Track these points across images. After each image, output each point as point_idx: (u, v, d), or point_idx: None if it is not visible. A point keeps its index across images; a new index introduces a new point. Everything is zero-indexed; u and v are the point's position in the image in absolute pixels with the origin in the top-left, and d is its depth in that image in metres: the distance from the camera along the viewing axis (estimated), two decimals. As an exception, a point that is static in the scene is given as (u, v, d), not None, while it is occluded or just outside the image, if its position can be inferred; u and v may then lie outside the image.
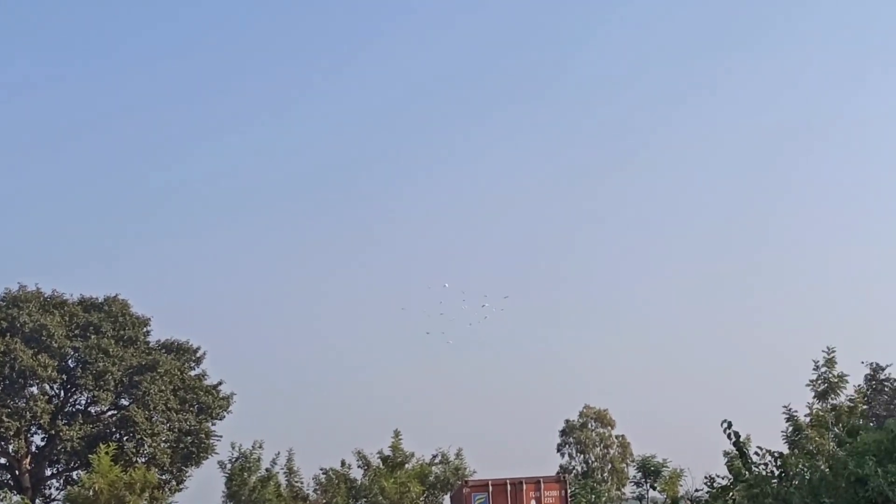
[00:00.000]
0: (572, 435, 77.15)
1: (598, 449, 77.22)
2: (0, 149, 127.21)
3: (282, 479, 61.27)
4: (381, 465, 60.13)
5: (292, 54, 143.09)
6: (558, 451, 77.45)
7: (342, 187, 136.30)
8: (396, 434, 60.56)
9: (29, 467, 65.92)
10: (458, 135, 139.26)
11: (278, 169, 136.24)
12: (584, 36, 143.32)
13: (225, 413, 70.53)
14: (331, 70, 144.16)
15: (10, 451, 65.06)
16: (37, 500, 65.50)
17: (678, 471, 61.97)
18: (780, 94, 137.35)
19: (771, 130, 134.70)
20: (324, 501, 60.76)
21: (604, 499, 69.58)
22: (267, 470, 60.60)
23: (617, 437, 77.59)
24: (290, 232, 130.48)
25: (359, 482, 60.75)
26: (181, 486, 68.80)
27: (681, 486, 60.98)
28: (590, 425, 77.78)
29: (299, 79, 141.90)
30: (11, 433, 63.61)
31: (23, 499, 62.28)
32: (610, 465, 76.79)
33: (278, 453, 61.67)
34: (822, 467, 24.88)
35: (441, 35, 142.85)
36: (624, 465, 76.05)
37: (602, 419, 77.76)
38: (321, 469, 62.21)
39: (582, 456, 77.09)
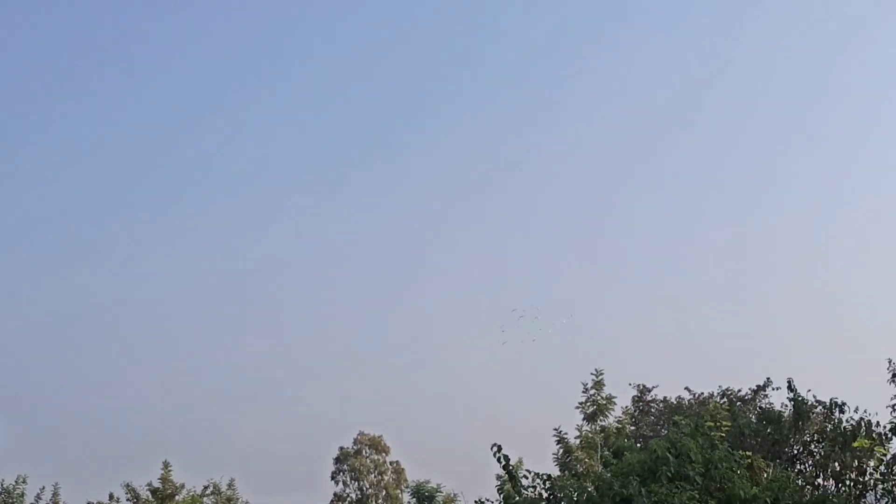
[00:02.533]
0: (346, 462, 77.05)
1: (373, 476, 77.32)
2: None
3: (47, 514, 59.52)
4: (150, 498, 59.01)
5: None
6: (332, 478, 77.29)
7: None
8: (166, 465, 59.57)
9: None
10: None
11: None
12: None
13: (-15, 447, 68.09)
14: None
15: None
16: None
17: (451, 496, 62.19)
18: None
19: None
20: (91, 536, 59.37)
21: (378, 526, 69.66)
22: (30, 505, 58.83)
23: (391, 463, 77.84)
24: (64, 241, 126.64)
25: (127, 516, 59.52)
26: (-64, 527, 66.17)
27: (455, 510, 61.19)
28: (364, 452, 77.84)
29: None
30: None
31: None
32: (384, 492, 76.93)
33: (43, 488, 59.84)
34: (590, 488, 25.14)
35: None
36: (398, 491, 76.25)
37: (376, 446, 77.94)
38: (88, 503, 60.80)
39: (356, 483, 77.06)
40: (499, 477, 36.13)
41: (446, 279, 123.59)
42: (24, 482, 58.84)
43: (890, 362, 27.29)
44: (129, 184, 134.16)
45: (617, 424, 49.99)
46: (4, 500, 57.77)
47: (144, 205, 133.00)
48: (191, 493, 59.96)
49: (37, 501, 59.07)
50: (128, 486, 60.09)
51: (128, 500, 60.08)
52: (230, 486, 61.38)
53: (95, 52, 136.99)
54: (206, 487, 61.00)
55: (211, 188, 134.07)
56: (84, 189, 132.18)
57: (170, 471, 59.53)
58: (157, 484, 59.23)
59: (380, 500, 76.60)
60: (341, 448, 77.84)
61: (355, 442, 78.09)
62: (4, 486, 58.46)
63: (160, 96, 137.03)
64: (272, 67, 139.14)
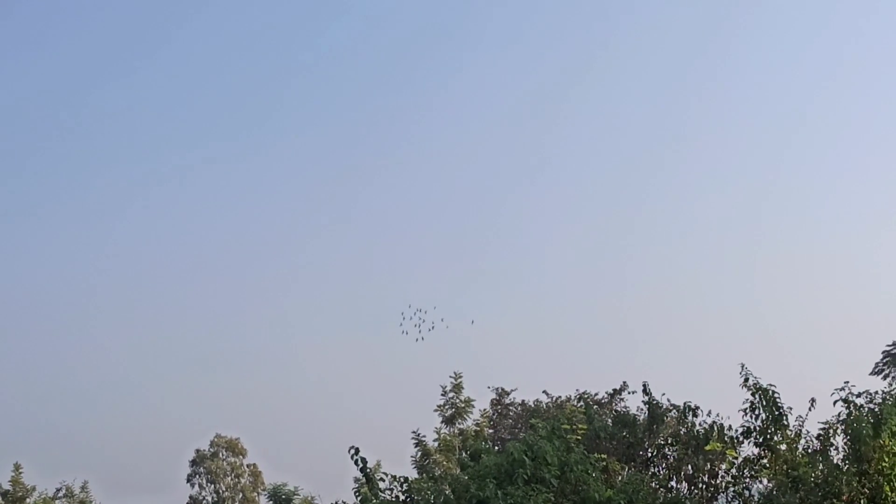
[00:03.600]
0: (203, 465, 76.25)
1: (230, 478, 76.63)
2: None
3: None
4: (1, 501, 57.96)
5: None
6: (188, 481, 76.41)
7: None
8: (17, 467, 58.56)
9: None
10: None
11: None
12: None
13: None
14: None
15: None
16: None
17: (309, 498, 61.87)
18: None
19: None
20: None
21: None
22: None
23: (248, 465, 77.23)
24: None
25: (-24, 519, 58.43)
26: None
27: (311, 513, 60.88)
28: (221, 454, 77.12)
29: None
30: None
31: None
32: (241, 495, 76.32)
33: None
34: (447, 491, 25.17)
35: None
36: (255, 493, 75.74)
37: (233, 448, 77.25)
38: (-65, 506, 59.52)
39: (213, 486, 76.32)
40: (356, 479, 36.09)
41: (307, 278, 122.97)
42: None
43: (743, 366, 27.72)
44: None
45: (475, 427, 50.19)
46: None
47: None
48: (43, 496, 59.06)
49: None
50: (-24, 488, 59.08)
51: (-23, 502, 59.02)
52: (83, 488, 60.56)
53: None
54: (58, 490, 60.15)
55: (64, 178, 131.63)
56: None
57: (21, 473, 58.56)
58: (7, 486, 58.26)
59: (236, 503, 76.01)
60: (197, 450, 77.11)
61: (212, 444, 77.38)
62: None
63: (21, 80, 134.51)
64: (133, 56, 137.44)
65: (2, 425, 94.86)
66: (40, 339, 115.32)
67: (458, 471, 31.33)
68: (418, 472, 48.52)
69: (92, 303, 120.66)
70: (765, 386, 27.51)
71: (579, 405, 48.51)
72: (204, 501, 74.19)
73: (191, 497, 74.51)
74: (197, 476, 76.25)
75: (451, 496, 24.51)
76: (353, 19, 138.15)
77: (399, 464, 53.09)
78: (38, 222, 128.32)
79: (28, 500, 58.37)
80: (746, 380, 27.65)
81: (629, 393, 53.04)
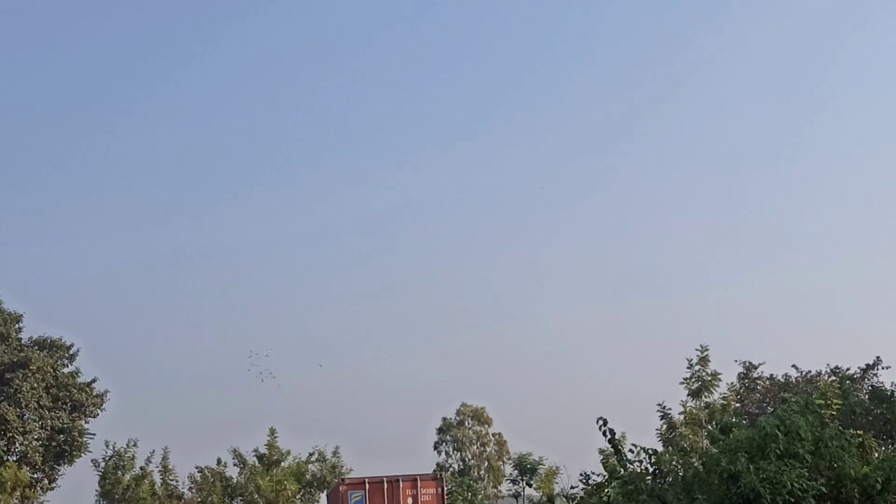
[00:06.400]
0: (449, 433, 77.26)
1: (475, 447, 77.43)
2: None
3: (157, 477, 60.82)
4: (256, 463, 59.92)
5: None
6: (435, 448, 77.63)
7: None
8: (272, 432, 60.41)
9: None
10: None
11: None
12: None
13: (99, 410, 69.33)
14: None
15: None
16: None
17: (554, 468, 62.26)
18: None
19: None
20: (199, 500, 60.32)
21: (480, 496, 69.80)
22: (141, 468, 60.15)
23: (494, 435, 77.87)
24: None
25: (234, 480, 60.51)
26: (53, 485, 67.65)
27: (556, 483, 61.17)
28: (467, 423, 77.96)
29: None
30: None
31: None
32: (486, 463, 77.03)
33: (153, 451, 61.26)
34: (696, 464, 25.00)
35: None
36: (500, 462, 76.33)
37: (479, 417, 77.99)
38: (196, 467, 61.94)
39: (459, 454, 77.26)
40: (601, 451, 36.20)
41: (557, 247, 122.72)
42: (135, 446, 60.39)
43: None
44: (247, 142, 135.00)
45: (722, 401, 49.62)
46: (116, 463, 59.15)
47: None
48: (297, 460, 60.78)
49: (147, 464, 60.43)
50: (235, 451, 61.15)
51: (234, 464, 61.10)
52: (335, 453, 62.10)
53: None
54: (311, 454, 61.81)
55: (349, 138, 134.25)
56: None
57: (276, 437, 60.39)
58: (263, 450, 60.12)
59: (482, 471, 76.79)
60: (444, 419, 78.13)
61: (458, 413, 78.28)
62: (116, 449, 59.96)
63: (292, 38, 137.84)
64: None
65: (259, 393, 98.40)
66: (295, 312, 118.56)
67: (706, 444, 31.11)
68: (663, 445, 48.36)
69: (343, 276, 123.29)
70: None
71: (831, 380, 47.50)
72: (450, 469, 75.15)
73: (437, 464, 75.61)
74: (444, 444, 77.32)
75: (702, 470, 24.35)
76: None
77: (642, 435, 52.99)
78: (313, 177, 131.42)
79: (283, 463, 60.17)
80: None
81: (883, 368, 51.69)
